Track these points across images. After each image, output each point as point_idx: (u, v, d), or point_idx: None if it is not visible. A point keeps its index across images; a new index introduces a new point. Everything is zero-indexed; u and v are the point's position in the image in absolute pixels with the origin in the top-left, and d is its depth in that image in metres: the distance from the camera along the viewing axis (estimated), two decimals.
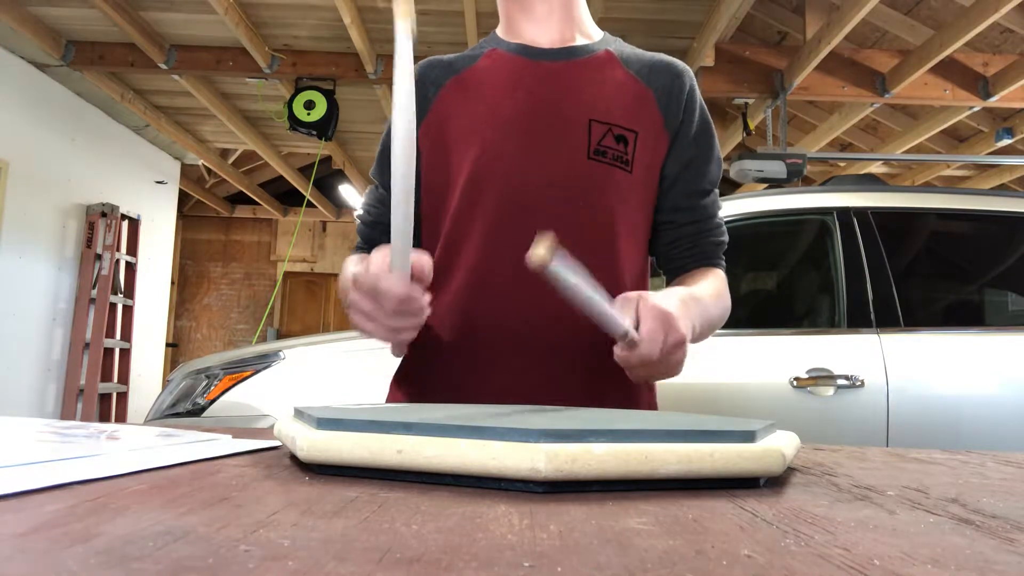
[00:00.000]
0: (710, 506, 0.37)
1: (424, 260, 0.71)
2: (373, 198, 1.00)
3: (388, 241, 0.97)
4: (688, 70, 0.94)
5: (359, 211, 1.02)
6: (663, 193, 0.93)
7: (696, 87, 0.94)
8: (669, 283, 0.97)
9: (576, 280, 0.64)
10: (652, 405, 0.93)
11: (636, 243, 0.91)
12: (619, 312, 0.69)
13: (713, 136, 0.95)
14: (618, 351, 0.70)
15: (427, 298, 0.70)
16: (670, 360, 0.71)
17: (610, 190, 0.87)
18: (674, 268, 0.96)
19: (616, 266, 0.88)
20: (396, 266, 0.66)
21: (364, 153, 6.75)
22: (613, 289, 0.88)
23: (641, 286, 0.93)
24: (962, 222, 2.62)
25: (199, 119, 6.06)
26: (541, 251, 0.59)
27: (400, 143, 0.65)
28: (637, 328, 0.69)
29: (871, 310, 2.32)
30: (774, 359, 2.28)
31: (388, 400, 0.96)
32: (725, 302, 0.91)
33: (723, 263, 0.96)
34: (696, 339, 0.85)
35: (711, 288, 0.88)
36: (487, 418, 0.48)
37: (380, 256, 0.69)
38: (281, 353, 2.33)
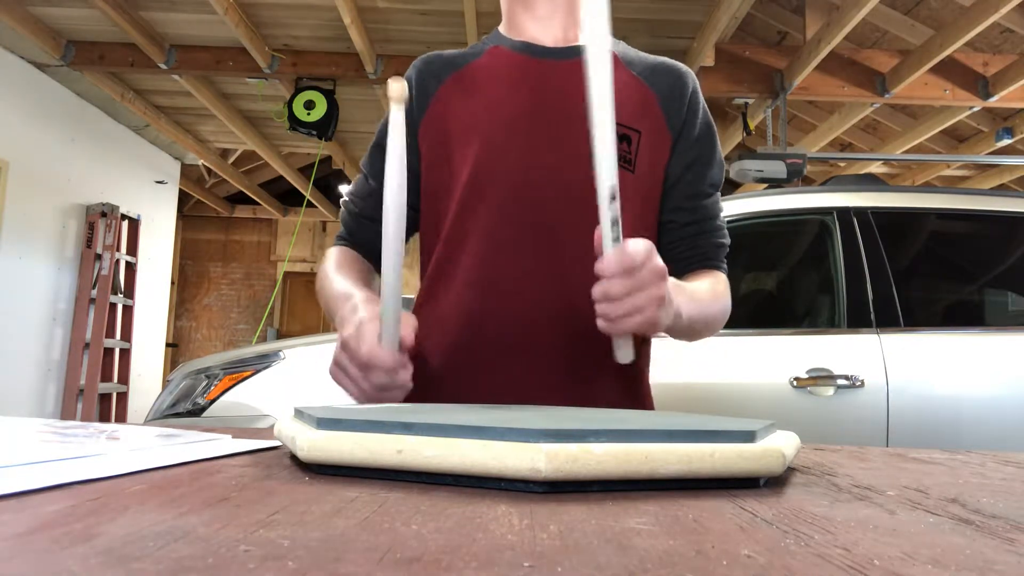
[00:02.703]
0: (710, 506, 0.37)
1: (408, 330, 0.73)
2: (361, 188, 1.00)
3: (371, 235, 0.97)
4: (690, 72, 0.94)
5: (345, 198, 1.02)
6: (664, 193, 0.93)
7: (698, 90, 0.94)
8: None
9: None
10: (649, 406, 0.93)
11: None
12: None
13: (715, 138, 0.95)
14: (598, 262, 0.67)
15: (410, 369, 0.73)
16: (648, 293, 0.68)
17: None
18: (675, 269, 0.96)
19: None
20: (386, 340, 0.71)
21: (364, 153, 6.74)
22: None
23: None
24: (962, 222, 2.62)
25: (199, 119, 6.06)
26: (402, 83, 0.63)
27: (392, 225, 0.68)
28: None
29: (871, 310, 2.32)
30: (774, 359, 2.28)
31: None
32: (724, 301, 0.90)
33: (724, 265, 0.96)
34: (691, 332, 0.85)
35: (708, 287, 0.88)
36: (487, 418, 0.48)
37: (371, 328, 0.72)
38: (281, 353, 2.33)
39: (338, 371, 0.75)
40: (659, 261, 0.69)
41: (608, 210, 0.68)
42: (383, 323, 0.71)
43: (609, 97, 0.66)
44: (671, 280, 0.78)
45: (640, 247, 0.68)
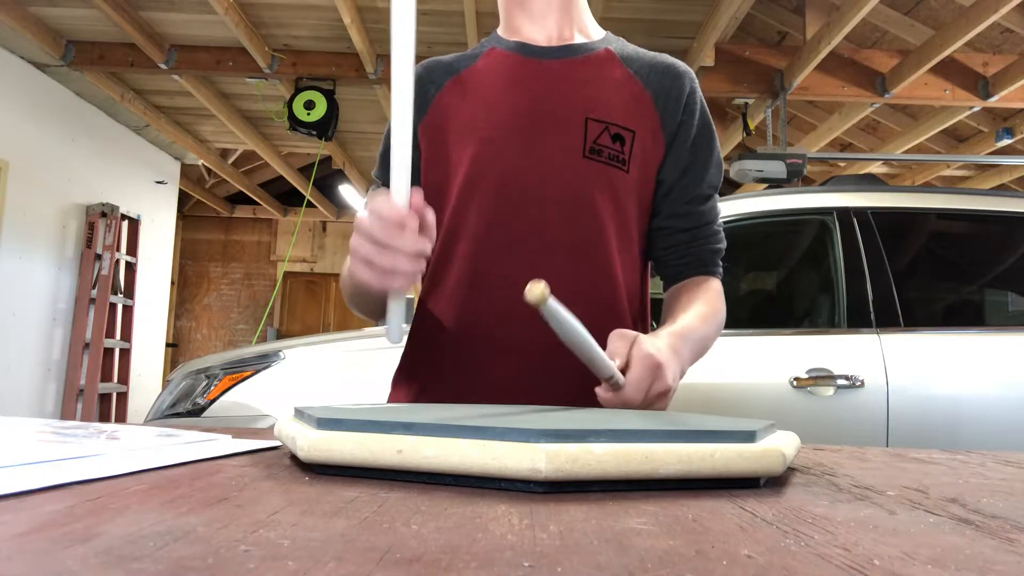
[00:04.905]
0: (710, 506, 0.37)
1: (421, 200, 0.69)
2: None
3: None
4: (689, 72, 0.93)
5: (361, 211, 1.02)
6: (661, 198, 0.92)
7: (697, 89, 0.93)
8: (665, 289, 0.97)
9: (569, 319, 0.65)
10: None
11: (632, 242, 0.91)
12: (608, 351, 0.69)
13: (713, 140, 0.94)
14: (601, 392, 0.69)
15: (432, 215, 0.68)
16: (652, 407, 0.71)
17: (605, 189, 0.87)
18: (670, 275, 0.95)
19: (609, 264, 0.88)
20: (396, 186, 0.67)
21: (364, 153, 6.75)
22: (607, 289, 0.88)
23: (637, 286, 0.93)
24: (962, 222, 2.62)
25: (199, 119, 6.06)
26: (540, 287, 0.60)
27: (399, 69, 0.65)
28: (625, 370, 0.69)
29: (871, 310, 2.32)
30: (774, 359, 2.28)
31: (388, 400, 0.96)
32: (719, 319, 0.90)
33: (720, 271, 0.95)
34: (686, 370, 0.85)
35: (703, 309, 0.87)
36: (487, 418, 0.48)
37: (380, 198, 0.68)
38: (281, 353, 2.33)
39: (355, 258, 0.69)
40: (665, 381, 0.70)
41: (606, 375, 0.69)
42: (392, 173, 0.67)
43: (583, 334, 0.65)
44: (675, 332, 0.78)
45: (639, 391, 0.68)
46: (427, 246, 0.68)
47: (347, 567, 0.24)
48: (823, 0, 4.23)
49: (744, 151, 4.97)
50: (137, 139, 6.32)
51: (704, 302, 0.89)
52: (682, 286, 0.93)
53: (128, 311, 5.92)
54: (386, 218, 0.66)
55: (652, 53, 0.95)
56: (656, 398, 0.70)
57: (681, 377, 0.77)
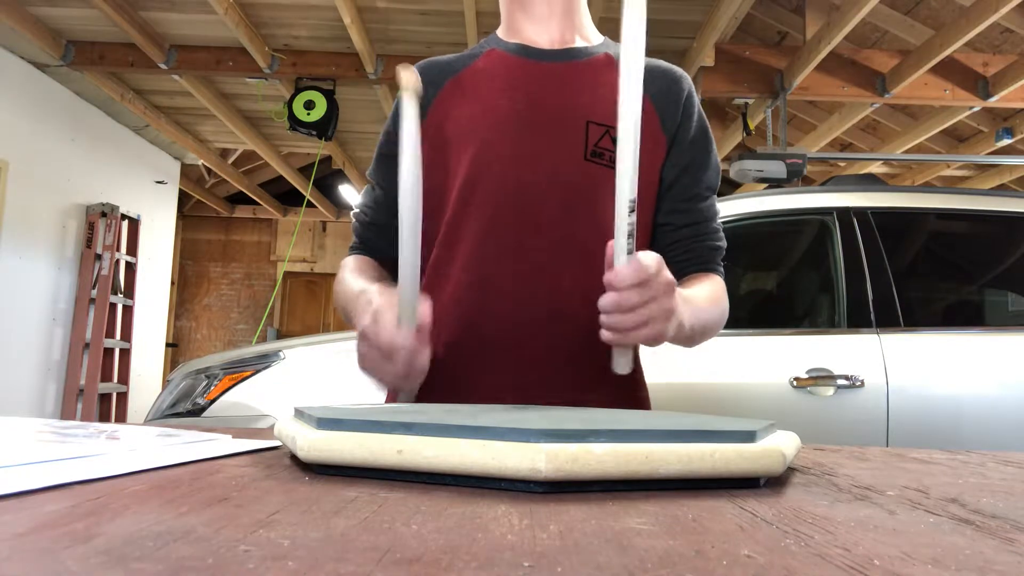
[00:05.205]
0: (710, 506, 0.37)
1: (424, 310, 0.72)
2: (370, 199, 1.00)
3: (383, 243, 0.97)
4: (686, 76, 0.95)
5: (355, 210, 1.03)
6: (660, 197, 0.93)
7: (694, 93, 0.95)
8: None
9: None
10: (645, 405, 0.93)
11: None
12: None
13: (711, 142, 0.95)
14: (609, 273, 0.67)
15: (428, 352, 0.72)
16: (660, 304, 0.68)
17: (606, 192, 0.87)
18: (671, 272, 0.96)
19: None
20: (404, 321, 0.70)
21: (364, 153, 6.75)
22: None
23: None
24: (962, 222, 2.62)
25: (199, 119, 6.06)
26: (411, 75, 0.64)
27: (407, 202, 0.68)
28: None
29: (871, 310, 2.32)
30: (774, 359, 2.28)
31: (388, 400, 0.96)
32: (722, 306, 0.90)
33: (721, 269, 0.96)
34: (691, 339, 0.84)
35: (707, 292, 0.88)
36: (487, 418, 0.48)
37: (387, 315, 0.70)
38: (281, 353, 2.33)
39: (363, 361, 0.73)
40: (669, 274, 0.69)
41: (625, 222, 0.66)
42: (401, 305, 0.70)
43: (636, 111, 0.65)
44: (680, 292, 0.78)
45: (652, 260, 0.67)
46: (427, 362, 0.72)
47: (347, 567, 0.24)
48: (823, 0, 4.23)
49: (744, 151, 4.96)
50: (137, 139, 6.32)
51: (709, 288, 0.89)
52: (684, 281, 0.94)
53: (128, 311, 5.92)
54: (400, 354, 0.69)
55: (649, 59, 0.95)
56: (666, 288, 0.68)
57: (679, 333, 0.75)
